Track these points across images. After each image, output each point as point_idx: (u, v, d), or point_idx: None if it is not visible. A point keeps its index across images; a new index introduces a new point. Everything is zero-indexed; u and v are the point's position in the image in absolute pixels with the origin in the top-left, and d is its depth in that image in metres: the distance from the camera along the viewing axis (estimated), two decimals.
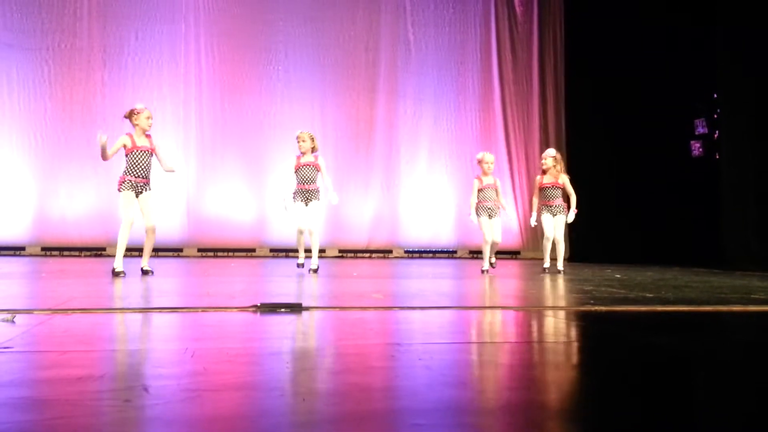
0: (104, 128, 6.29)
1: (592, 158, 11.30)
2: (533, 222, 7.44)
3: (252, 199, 12.15)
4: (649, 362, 2.32)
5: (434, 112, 12.98)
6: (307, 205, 6.87)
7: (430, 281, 6.19)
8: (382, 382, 1.97)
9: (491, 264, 7.34)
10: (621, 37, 10.96)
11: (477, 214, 7.20)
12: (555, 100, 13.28)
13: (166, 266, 8.04)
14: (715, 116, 10.22)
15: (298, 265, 7.06)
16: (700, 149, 10.46)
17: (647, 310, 3.76)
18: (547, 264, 7.35)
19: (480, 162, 7.29)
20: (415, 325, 3.24)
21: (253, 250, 12.07)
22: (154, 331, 2.98)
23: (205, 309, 3.48)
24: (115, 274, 5.74)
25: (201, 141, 11.99)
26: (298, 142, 6.93)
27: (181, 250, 11.76)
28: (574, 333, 3.07)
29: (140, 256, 6.23)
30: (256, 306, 3.44)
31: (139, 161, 5.97)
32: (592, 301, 4.05)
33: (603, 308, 3.72)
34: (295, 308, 3.43)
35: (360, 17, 12.75)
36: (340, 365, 2.18)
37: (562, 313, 3.63)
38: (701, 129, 10.45)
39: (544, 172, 7.39)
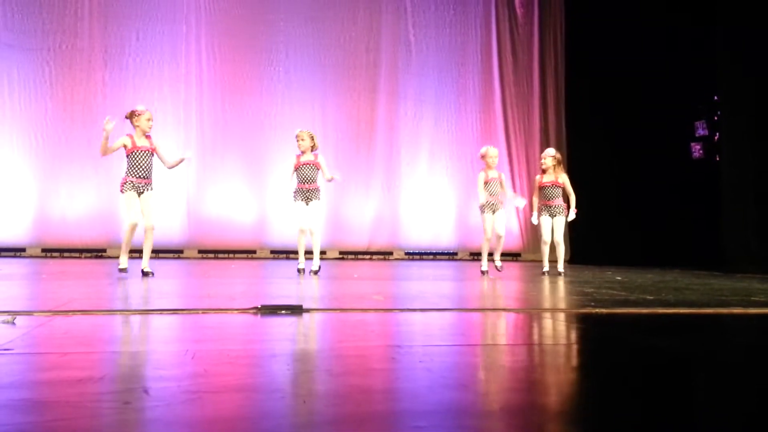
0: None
1: (592, 160, 11.30)
2: (534, 221, 7.42)
3: (253, 200, 12.14)
4: (650, 365, 2.32)
5: (435, 113, 12.98)
6: (307, 204, 6.85)
7: (431, 283, 6.19)
8: (383, 384, 1.97)
9: (497, 268, 7.23)
10: (621, 38, 10.96)
11: (481, 210, 7.16)
12: (555, 101, 13.28)
13: (166, 268, 8.04)
14: (716, 118, 10.21)
15: (299, 270, 6.94)
16: (701, 151, 10.46)
17: (648, 312, 3.76)
18: (546, 268, 7.30)
19: (483, 156, 7.21)
20: (416, 327, 3.24)
21: (254, 252, 12.07)
22: (155, 333, 2.98)
23: (205, 311, 3.48)
24: (121, 270, 6.03)
25: (201, 141, 11.99)
26: (298, 141, 6.90)
27: (181, 251, 11.75)
28: (574, 335, 3.07)
29: (140, 257, 6.26)
30: (256, 308, 3.44)
31: (139, 161, 6.05)
32: (592, 304, 4.05)
33: (603, 310, 3.72)
34: (296, 310, 3.43)
35: (361, 18, 12.75)
36: (341, 367, 2.17)
37: (562, 316, 3.63)
38: (701, 131, 10.44)
39: (543, 171, 7.37)
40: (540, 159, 7.56)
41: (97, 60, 11.72)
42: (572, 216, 7.27)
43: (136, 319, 3.33)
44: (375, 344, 2.68)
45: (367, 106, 12.72)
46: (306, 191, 6.84)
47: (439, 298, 4.63)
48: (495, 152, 7.28)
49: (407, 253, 12.69)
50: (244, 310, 3.45)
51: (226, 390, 1.79)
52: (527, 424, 1.54)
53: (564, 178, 7.31)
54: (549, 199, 7.28)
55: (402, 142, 12.84)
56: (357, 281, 6.25)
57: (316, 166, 6.88)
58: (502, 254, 7.53)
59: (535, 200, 7.42)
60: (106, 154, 6.10)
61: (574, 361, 2.43)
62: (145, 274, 6.03)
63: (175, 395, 1.69)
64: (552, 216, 7.26)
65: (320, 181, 7.00)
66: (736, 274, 7.80)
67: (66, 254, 11.31)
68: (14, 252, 11.10)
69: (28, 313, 3.26)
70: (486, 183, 7.14)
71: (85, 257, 11.13)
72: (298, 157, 6.92)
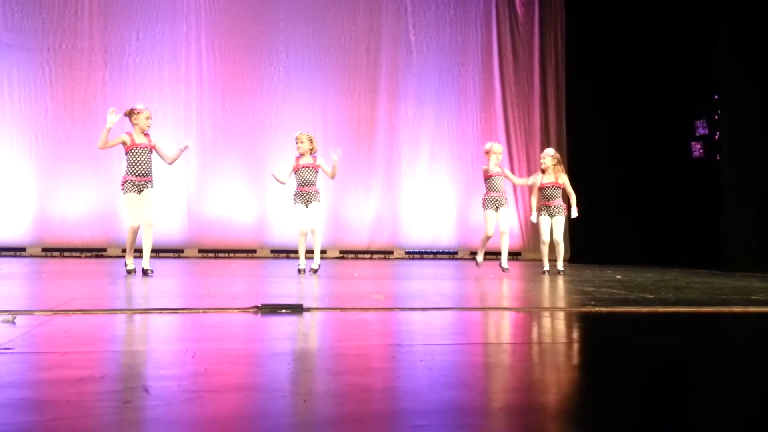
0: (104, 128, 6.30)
1: (592, 159, 11.30)
2: (534, 219, 7.38)
3: (253, 200, 12.14)
4: (650, 363, 2.32)
5: (435, 113, 12.98)
6: (307, 207, 6.85)
7: (431, 282, 6.19)
8: (383, 383, 1.97)
9: (503, 269, 7.10)
10: (622, 38, 10.96)
11: (484, 206, 7.13)
12: (556, 101, 13.27)
13: (166, 267, 8.04)
14: (716, 117, 10.21)
15: (299, 271, 6.94)
16: (701, 150, 10.45)
17: (648, 311, 3.76)
18: (546, 267, 7.29)
19: (488, 152, 7.15)
20: (416, 326, 3.24)
21: (254, 251, 12.07)
22: (155, 332, 2.98)
23: (205, 310, 3.48)
24: (128, 271, 6.15)
25: (202, 141, 11.98)
26: (297, 143, 6.89)
27: (181, 250, 11.76)
28: (574, 334, 3.07)
29: (140, 256, 6.30)
30: (257, 307, 3.44)
31: (139, 158, 6.09)
32: (592, 302, 4.05)
33: (604, 309, 3.72)
34: (296, 309, 3.43)
35: (361, 18, 12.75)
36: (341, 366, 2.17)
37: (562, 314, 3.63)
38: (702, 130, 10.44)
39: (543, 171, 7.35)
40: (540, 159, 7.54)
41: (98, 60, 11.72)
42: (575, 213, 7.24)
43: (136, 318, 3.33)
44: (375, 343, 2.68)
45: (367, 106, 12.72)
46: (305, 194, 6.84)
47: (440, 297, 4.63)
48: (500, 148, 7.26)
49: (407, 253, 12.69)
50: (244, 310, 3.45)
51: (226, 389, 1.79)
52: (528, 423, 1.54)
53: (564, 179, 7.30)
54: (549, 200, 7.26)
55: (402, 142, 12.84)
56: (357, 280, 6.26)
57: (315, 169, 6.88)
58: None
59: (534, 199, 7.40)
60: (105, 147, 6.13)
61: (575, 360, 2.43)
62: (144, 272, 6.09)
63: (176, 394, 1.70)
64: (551, 216, 7.25)
65: (320, 184, 7.00)
66: (736, 273, 7.80)
67: (66, 254, 11.31)
68: (14, 251, 11.10)
69: (29, 312, 3.26)
70: (490, 177, 7.11)
71: (86, 257, 11.13)
72: (297, 159, 6.91)
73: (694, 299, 4.42)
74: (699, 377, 2.20)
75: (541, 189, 7.30)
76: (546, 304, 4.30)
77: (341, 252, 12.34)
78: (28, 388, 1.82)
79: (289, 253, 11.39)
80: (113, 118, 5.97)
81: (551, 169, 7.26)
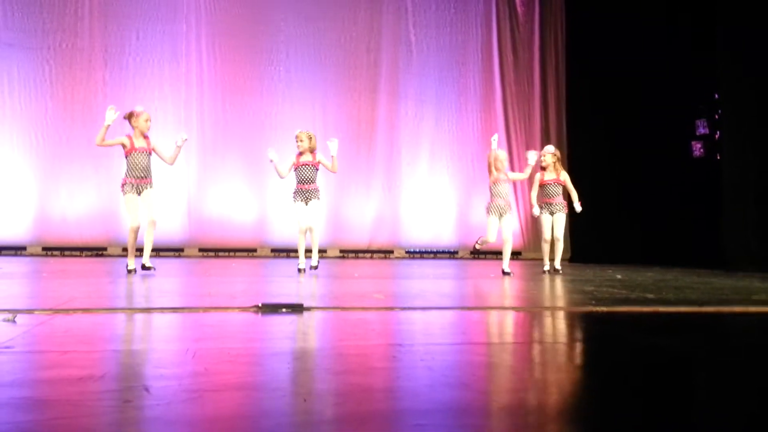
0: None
1: (593, 159, 11.29)
2: (536, 212, 7.32)
3: (253, 200, 12.14)
4: (651, 363, 2.32)
5: (435, 113, 12.98)
6: (307, 204, 6.87)
7: (432, 282, 6.19)
8: (384, 382, 1.97)
9: (506, 273, 6.98)
10: (622, 37, 10.95)
11: (488, 213, 7.11)
12: (556, 100, 13.27)
13: (167, 266, 8.04)
14: (716, 117, 10.20)
15: (299, 270, 6.95)
16: (701, 150, 10.45)
17: (648, 310, 3.76)
18: (546, 266, 7.30)
19: (494, 160, 7.15)
20: (417, 325, 3.24)
21: (255, 251, 12.07)
22: (155, 332, 2.98)
23: (206, 309, 3.48)
24: (129, 271, 6.17)
25: (202, 141, 11.98)
26: (297, 141, 6.92)
27: (182, 250, 11.76)
28: (575, 334, 3.07)
29: (140, 256, 6.34)
30: (257, 306, 3.44)
31: (138, 162, 6.15)
32: (593, 302, 4.05)
33: (604, 309, 3.72)
34: (297, 309, 3.43)
35: (361, 18, 12.75)
36: (342, 366, 2.17)
37: (563, 314, 3.63)
38: (702, 129, 10.43)
39: (543, 168, 7.34)
40: (540, 157, 7.52)
41: (98, 59, 11.71)
42: (578, 208, 7.21)
43: (136, 317, 3.33)
44: (376, 343, 2.68)
45: (367, 105, 12.72)
46: (305, 191, 6.86)
47: (440, 296, 4.63)
48: (504, 155, 7.25)
49: (408, 252, 12.69)
50: (244, 309, 3.45)
51: (226, 388, 1.79)
52: (528, 422, 1.54)
53: (565, 176, 7.30)
54: (550, 197, 7.25)
55: (402, 142, 12.84)
56: (358, 280, 6.26)
57: (315, 166, 6.90)
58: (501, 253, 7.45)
59: (534, 194, 7.37)
60: (102, 144, 6.18)
61: (575, 360, 2.43)
62: (146, 268, 6.18)
63: (176, 394, 1.69)
64: (552, 213, 7.24)
65: (320, 182, 7.01)
66: (737, 273, 7.80)
67: (66, 253, 11.31)
68: (15, 250, 11.10)
69: (29, 311, 3.26)
70: (495, 183, 7.09)
71: (86, 256, 11.13)
72: (298, 156, 6.94)
73: (694, 299, 4.42)
74: (699, 377, 2.20)
75: (543, 186, 7.29)
76: (546, 303, 4.30)
77: (341, 251, 12.34)
78: (29, 387, 1.82)
79: (290, 253, 11.39)
80: (112, 115, 6.04)
81: (552, 167, 7.26)
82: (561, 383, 1.98)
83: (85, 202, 11.46)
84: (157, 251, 10.72)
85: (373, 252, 12.51)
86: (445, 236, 12.86)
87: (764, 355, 2.54)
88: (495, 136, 7.39)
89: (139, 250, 6.39)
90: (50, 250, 11.33)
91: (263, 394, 1.78)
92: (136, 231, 6.14)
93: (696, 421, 1.62)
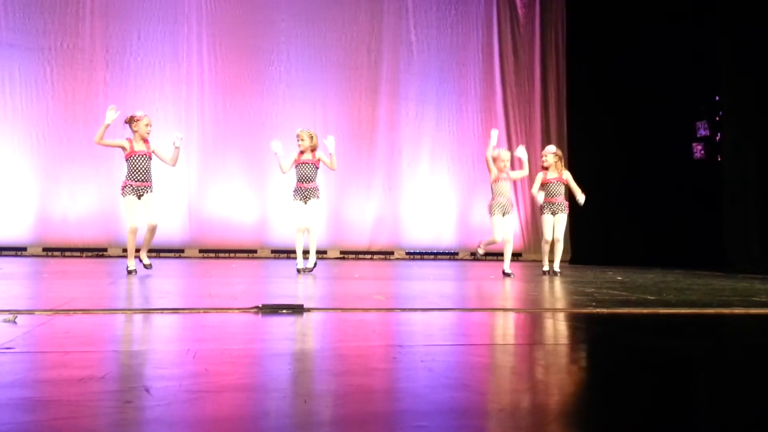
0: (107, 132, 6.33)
1: (593, 160, 11.29)
2: (540, 199, 7.27)
3: (254, 200, 12.15)
4: (651, 365, 2.32)
5: (436, 113, 12.99)
6: (306, 203, 6.89)
7: (432, 283, 6.19)
8: (384, 383, 1.97)
9: (508, 275, 7.01)
10: (623, 39, 10.96)
11: (491, 213, 7.09)
12: (557, 102, 13.28)
13: (167, 267, 8.05)
14: (717, 118, 10.21)
15: (298, 270, 7.01)
16: (702, 151, 10.45)
17: (649, 312, 3.76)
18: (546, 267, 7.30)
19: (495, 159, 7.16)
20: (417, 326, 3.24)
21: (255, 251, 12.07)
22: (156, 332, 2.98)
23: (206, 310, 3.48)
24: (129, 272, 6.23)
25: (203, 141, 11.99)
26: (298, 140, 6.98)
27: (182, 251, 11.76)
28: (575, 335, 3.07)
29: (139, 256, 6.45)
30: (257, 307, 3.44)
31: (138, 165, 6.22)
32: (593, 304, 4.05)
33: (605, 310, 3.72)
34: (297, 310, 3.43)
35: (362, 19, 12.76)
36: (342, 367, 2.17)
37: (563, 316, 3.63)
38: (703, 131, 10.44)
39: (545, 168, 7.33)
40: (541, 157, 7.52)
41: (99, 60, 11.73)
42: (582, 199, 7.19)
43: (137, 318, 3.33)
44: (376, 344, 2.68)
45: (368, 106, 12.73)
46: (304, 190, 6.90)
47: (441, 297, 4.63)
48: (507, 155, 7.23)
49: (408, 253, 12.69)
50: (245, 310, 3.45)
51: (227, 389, 1.79)
52: (529, 424, 1.54)
53: (567, 175, 7.29)
54: (552, 196, 7.23)
55: (403, 142, 12.84)
56: (358, 281, 6.26)
57: (315, 165, 6.93)
58: (502, 254, 7.43)
59: (535, 190, 7.35)
60: (100, 143, 6.25)
61: (576, 362, 2.43)
62: (144, 266, 6.35)
63: (177, 394, 1.69)
64: (554, 213, 7.22)
65: (320, 181, 7.04)
66: (738, 275, 7.79)
67: (67, 253, 11.32)
68: (15, 251, 11.11)
69: (30, 312, 3.26)
70: (497, 181, 7.09)
71: (86, 256, 11.13)
72: (299, 155, 6.98)
73: (695, 301, 4.42)
74: (700, 379, 2.20)
75: (545, 185, 7.27)
76: (547, 305, 4.30)
77: (342, 252, 12.34)
78: (30, 388, 1.82)
79: (290, 254, 11.38)
80: (112, 115, 6.12)
81: (554, 166, 7.26)
82: (562, 384, 1.97)
83: (86, 202, 11.47)
84: (158, 252, 10.76)
85: (373, 253, 12.51)
86: (445, 237, 12.86)
87: (765, 357, 2.54)
88: (494, 132, 7.37)
89: (139, 250, 6.43)
90: (51, 251, 11.33)
91: (264, 395, 1.78)
92: (135, 233, 6.21)
93: (697, 422, 1.62)
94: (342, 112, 12.62)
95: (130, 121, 6.27)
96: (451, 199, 12.92)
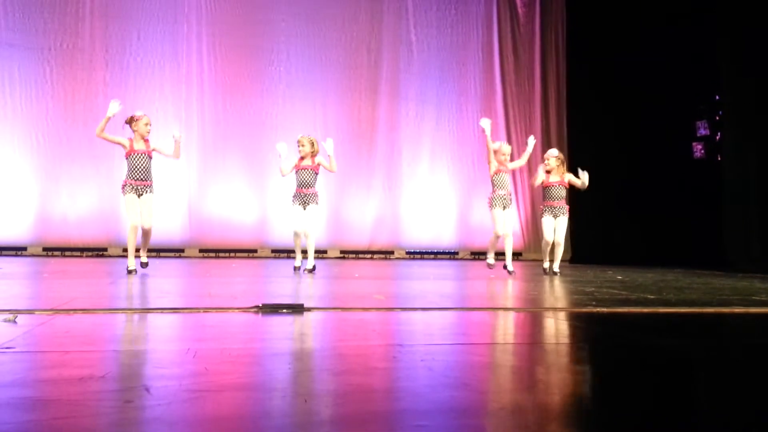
0: (108, 128, 6.35)
1: (594, 160, 11.26)
2: (541, 171, 7.26)
3: (254, 200, 12.15)
4: (651, 364, 2.32)
5: (436, 113, 12.98)
6: (305, 209, 6.92)
7: (432, 282, 6.19)
8: (384, 383, 1.97)
9: (509, 271, 7.05)
10: (623, 38, 10.96)
11: (491, 206, 7.09)
12: (557, 101, 13.27)
13: (167, 267, 8.05)
14: (717, 118, 10.21)
15: (295, 269, 7.09)
16: (702, 151, 10.45)
17: (649, 311, 3.76)
18: (546, 265, 7.31)
19: (496, 152, 7.13)
20: (417, 326, 3.24)
21: (255, 251, 12.07)
22: (156, 332, 2.98)
23: (206, 310, 3.48)
24: (129, 272, 6.23)
25: (203, 141, 11.99)
26: (298, 146, 7.03)
27: (182, 250, 11.76)
28: (575, 334, 3.07)
29: (140, 256, 6.51)
30: (257, 307, 3.44)
31: (137, 164, 6.27)
32: (593, 303, 4.05)
33: (605, 310, 3.72)
34: (297, 309, 3.43)
35: (362, 18, 12.75)
36: (342, 366, 2.17)
37: (563, 315, 3.63)
38: (703, 131, 10.44)
39: (547, 172, 7.34)
40: (542, 160, 7.52)
41: (98, 59, 11.72)
42: (584, 176, 7.17)
43: (137, 317, 3.34)
44: (376, 343, 2.68)
45: (368, 105, 12.72)
46: (304, 195, 6.94)
47: (441, 297, 4.63)
48: (508, 149, 7.24)
49: (408, 253, 12.69)
50: (245, 309, 3.45)
51: (227, 389, 1.79)
52: (529, 423, 1.54)
53: (569, 177, 7.31)
54: (553, 200, 7.23)
55: (403, 142, 12.84)
56: (358, 280, 6.26)
57: (315, 171, 6.97)
58: (502, 253, 7.41)
59: (535, 182, 7.35)
60: (101, 136, 6.27)
61: (576, 361, 2.43)
62: (143, 265, 6.44)
63: (177, 394, 1.70)
64: (555, 216, 7.22)
65: (319, 186, 7.07)
66: (738, 274, 7.80)
67: (67, 253, 11.32)
68: (15, 251, 11.11)
69: (30, 311, 3.26)
70: (498, 173, 7.08)
71: (86, 256, 11.13)
72: (300, 160, 7.02)
73: (695, 300, 4.42)
74: (700, 378, 2.20)
75: (546, 188, 7.27)
76: (547, 304, 4.30)
77: (342, 252, 12.34)
78: (30, 387, 1.82)
79: (290, 253, 11.34)
80: (115, 108, 6.20)
81: (556, 170, 7.26)
82: (561, 384, 1.98)
83: (86, 202, 11.47)
84: (158, 252, 10.76)
85: (373, 253, 12.51)
86: (445, 237, 12.86)
87: (765, 356, 2.54)
88: (486, 121, 7.29)
89: (139, 250, 6.47)
90: (51, 251, 11.33)
91: (264, 394, 1.79)
92: (136, 230, 6.25)
93: (696, 421, 1.62)
94: (342, 111, 12.62)
95: (131, 121, 6.33)
96: (451, 199, 12.91)
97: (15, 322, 2.88)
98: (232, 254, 11.84)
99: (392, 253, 12.63)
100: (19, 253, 11.09)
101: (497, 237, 7.12)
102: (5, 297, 4.16)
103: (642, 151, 10.82)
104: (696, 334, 3.08)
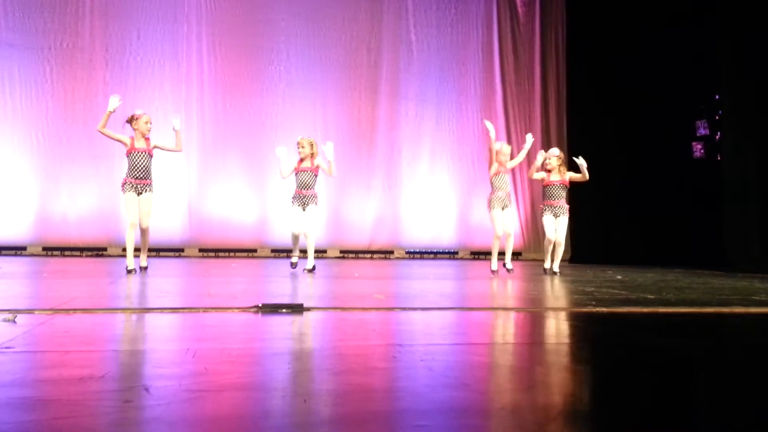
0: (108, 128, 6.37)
1: (593, 159, 11.23)
2: (544, 152, 7.32)
3: (253, 200, 12.14)
4: (651, 364, 2.32)
5: (436, 113, 12.98)
6: (304, 210, 6.93)
7: (432, 282, 6.19)
8: (384, 383, 1.97)
9: (508, 270, 7.09)
10: (623, 38, 10.95)
11: (490, 207, 7.11)
12: (557, 101, 13.27)
13: (167, 266, 8.05)
14: (717, 117, 10.21)
15: (292, 264, 7.14)
16: (702, 150, 10.45)
17: (649, 311, 3.76)
18: (547, 264, 7.32)
19: (497, 152, 7.15)
20: (417, 326, 3.24)
21: (255, 251, 12.07)
22: (156, 332, 2.98)
23: (206, 309, 3.48)
24: (128, 271, 6.23)
25: (202, 141, 11.99)
26: (298, 148, 7.04)
27: (182, 250, 11.76)
28: (575, 334, 3.07)
29: (139, 257, 6.57)
30: (257, 306, 3.44)
31: (137, 162, 6.30)
32: (593, 303, 4.05)
33: (604, 309, 3.72)
34: (297, 309, 3.43)
35: (362, 18, 12.75)
36: (342, 366, 2.17)
37: (563, 315, 3.63)
38: (703, 130, 10.44)
39: (548, 171, 7.34)
40: (545, 159, 7.52)
41: (98, 59, 11.72)
42: (581, 160, 7.22)
43: (136, 317, 3.33)
44: (376, 343, 2.68)
45: (368, 105, 12.72)
46: (303, 197, 6.96)
47: (440, 297, 4.63)
48: (508, 150, 7.26)
49: (408, 252, 12.69)
50: (245, 309, 3.45)
51: (227, 389, 1.79)
52: (528, 423, 1.54)
53: (570, 175, 7.33)
54: (553, 199, 7.23)
55: (403, 142, 12.84)
56: (358, 280, 6.26)
57: (314, 173, 6.99)
58: (503, 253, 7.41)
59: (536, 173, 7.38)
60: (102, 131, 6.29)
61: (575, 361, 2.43)
62: (143, 268, 6.48)
63: (176, 394, 1.69)
64: (556, 216, 7.22)
65: (319, 187, 7.08)
66: (737, 274, 7.80)
67: (67, 253, 11.31)
68: (15, 250, 11.10)
69: (29, 311, 3.26)
70: (497, 174, 7.10)
71: (86, 256, 11.13)
72: (299, 162, 7.03)
73: (695, 299, 4.42)
74: (700, 378, 2.20)
75: (547, 187, 7.29)
76: (547, 304, 4.30)
77: (342, 252, 12.34)
78: (29, 387, 1.82)
79: (290, 253, 11.35)
80: (115, 102, 6.23)
81: (557, 169, 7.27)
82: (561, 384, 1.98)
83: (86, 202, 11.47)
84: (158, 251, 10.77)
85: (373, 252, 12.51)
86: (445, 237, 12.86)
87: (764, 355, 2.54)
88: (490, 124, 7.38)
89: (138, 250, 6.48)
90: (51, 250, 11.33)
91: (263, 394, 1.78)
92: (134, 228, 6.27)
93: (696, 422, 1.62)
94: (342, 111, 12.62)
95: (131, 120, 6.36)
96: (451, 199, 12.91)
97: (15, 321, 2.88)
98: (232, 254, 11.84)
99: (392, 252, 12.63)
100: (19, 252, 11.09)
101: (497, 238, 7.13)
102: (5, 297, 4.16)
103: (642, 151, 10.81)
104: (696, 334, 3.07)
